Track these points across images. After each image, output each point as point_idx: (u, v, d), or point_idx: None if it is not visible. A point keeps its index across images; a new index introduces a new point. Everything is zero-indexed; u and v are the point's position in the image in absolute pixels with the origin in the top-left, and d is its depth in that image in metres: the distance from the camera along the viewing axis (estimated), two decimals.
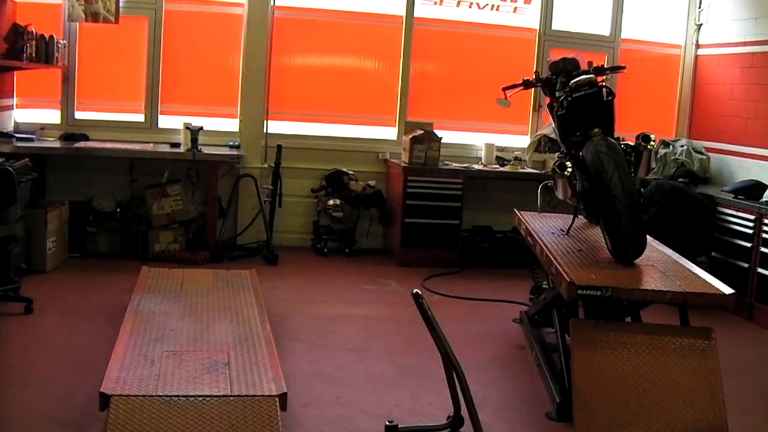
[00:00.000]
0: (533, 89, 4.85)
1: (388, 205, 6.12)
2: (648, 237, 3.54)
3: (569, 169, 3.60)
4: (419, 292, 2.91)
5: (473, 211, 6.16)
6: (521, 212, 4.47)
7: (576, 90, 3.58)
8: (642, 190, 3.49)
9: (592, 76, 3.62)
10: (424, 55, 6.35)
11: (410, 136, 5.90)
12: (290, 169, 6.04)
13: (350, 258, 6.00)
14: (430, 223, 5.83)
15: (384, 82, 6.32)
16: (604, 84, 3.63)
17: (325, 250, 6.02)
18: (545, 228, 4.11)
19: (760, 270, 4.91)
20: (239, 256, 5.74)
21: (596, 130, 3.55)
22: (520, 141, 6.55)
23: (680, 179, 5.65)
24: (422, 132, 5.92)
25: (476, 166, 6.16)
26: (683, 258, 3.58)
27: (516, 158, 6.28)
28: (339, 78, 6.26)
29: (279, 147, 5.91)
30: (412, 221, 5.81)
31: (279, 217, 6.02)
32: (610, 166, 3.34)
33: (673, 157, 6.16)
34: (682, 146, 6.25)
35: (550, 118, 3.99)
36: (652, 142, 3.51)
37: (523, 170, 6.19)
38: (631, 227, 3.29)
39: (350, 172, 6.11)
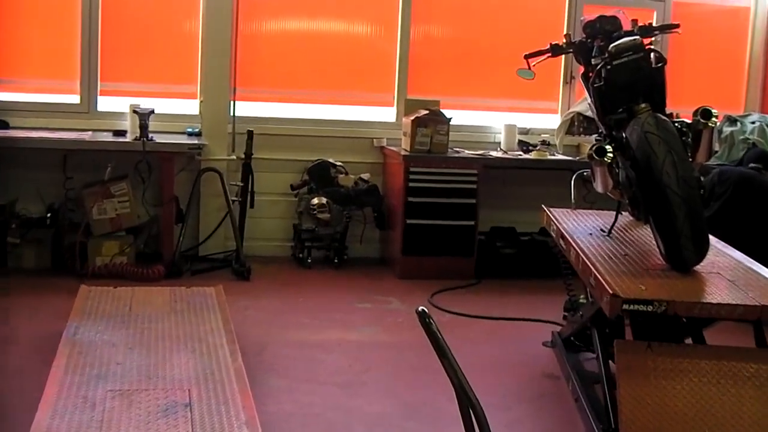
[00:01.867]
0: (563, 56, 4.83)
1: (386, 204, 6.16)
2: (711, 237, 3.52)
3: (610, 155, 3.57)
4: (426, 311, 2.87)
5: (491, 209, 6.19)
6: (551, 209, 4.47)
7: (617, 56, 3.56)
8: (702, 178, 3.45)
9: (637, 38, 3.60)
10: (427, 17, 6.35)
11: (412, 118, 5.90)
12: (264, 161, 6.06)
13: (340, 270, 6.03)
14: (437, 225, 5.84)
15: (379, 52, 6.33)
16: (652, 47, 3.61)
17: (309, 261, 6.03)
18: (581, 228, 4.10)
19: None
20: (202, 270, 5.74)
21: (643, 105, 3.54)
22: (548, 121, 6.56)
23: (750, 164, 5.62)
24: (427, 112, 5.93)
25: (494, 153, 6.17)
26: (756, 263, 3.55)
27: (543, 142, 6.30)
28: (323, 47, 6.27)
29: (250, 134, 5.92)
30: (415, 223, 5.82)
31: (251, 220, 6.03)
32: (661, 150, 3.32)
33: (741, 137, 6.13)
34: (753, 123, 6.22)
35: (585, 91, 3.97)
36: (714, 119, 3.47)
37: (553, 157, 6.21)
38: (690, 225, 3.26)
39: (338, 163, 6.12)
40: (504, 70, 6.02)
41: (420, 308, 2.85)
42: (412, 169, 5.80)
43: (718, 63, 6.69)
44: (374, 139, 6.30)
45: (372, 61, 6.34)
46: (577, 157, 6.15)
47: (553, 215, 4.36)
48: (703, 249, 3.35)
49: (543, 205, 4.55)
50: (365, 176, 6.15)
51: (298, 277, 5.82)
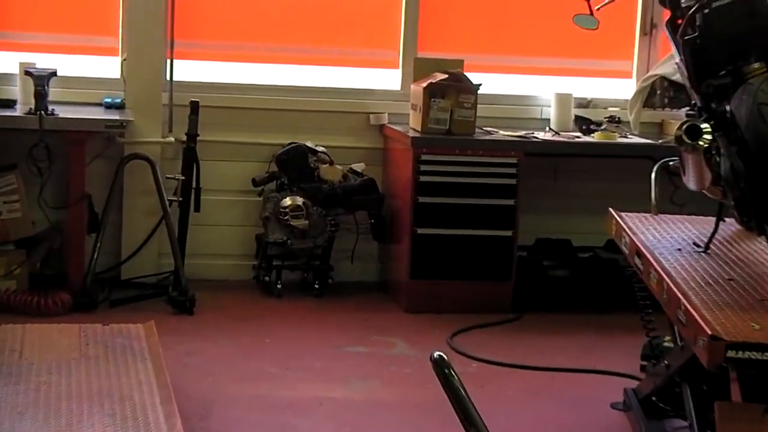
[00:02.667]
0: None
1: (387, 206, 6.16)
2: None
3: (707, 137, 3.55)
4: (444, 357, 2.84)
5: (537, 213, 6.23)
6: (622, 214, 4.45)
7: None
8: None
9: None
10: None
11: (424, 85, 5.89)
12: (215, 146, 6.12)
13: (322, 299, 6.05)
14: (460, 237, 5.86)
15: None
16: None
17: (279, 286, 6.04)
18: (666, 241, 4.08)
19: None
20: (126, 300, 5.73)
21: (756, 65, 3.49)
22: (619, 89, 6.58)
23: None
24: (445, 77, 5.93)
25: (541, 135, 6.17)
26: None
27: (611, 119, 6.27)
28: None
29: (194, 106, 5.91)
30: (428, 233, 5.83)
31: (197, 229, 6.05)
32: None
33: None
34: None
35: (672, 46, 3.93)
36: None
37: (625, 140, 6.21)
38: None
39: (320, 149, 6.14)
40: (555, 17, 6.02)
41: (436, 354, 2.81)
42: (424, 157, 5.80)
43: None
44: (371, 115, 6.31)
45: (368, 4, 6.36)
46: (660, 140, 6.13)
47: (625, 223, 4.34)
48: None
49: (611, 209, 4.53)
50: (358, 167, 6.17)
51: (263, 309, 5.83)
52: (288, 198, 5.97)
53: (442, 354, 2.85)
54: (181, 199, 5.92)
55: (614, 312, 5.63)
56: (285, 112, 6.21)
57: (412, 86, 6.06)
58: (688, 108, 4.01)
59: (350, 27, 6.39)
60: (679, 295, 3.38)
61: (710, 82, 3.64)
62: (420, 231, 5.82)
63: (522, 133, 6.14)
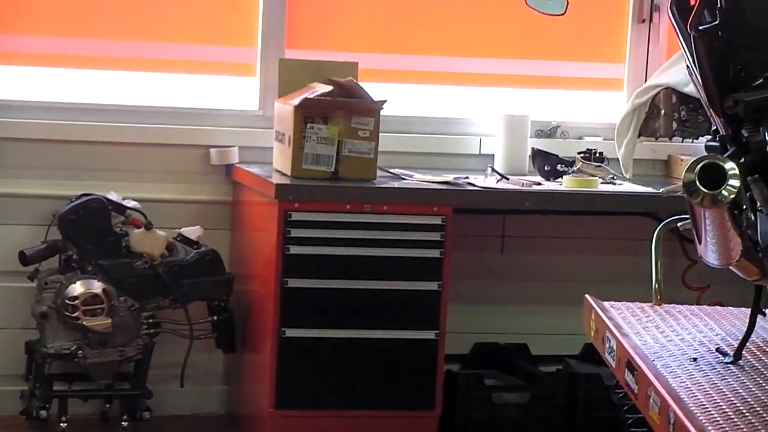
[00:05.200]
0: None
1: (238, 295, 6.22)
2: None
3: (734, 183, 3.52)
4: None
5: (474, 304, 6.43)
6: (605, 305, 4.48)
7: None
8: None
9: None
10: None
11: (296, 102, 5.91)
12: None
13: None
14: (353, 341, 5.92)
15: None
16: None
17: (63, 424, 5.99)
18: (674, 347, 4.11)
19: None
20: None
21: None
22: (601, 107, 6.74)
23: None
24: (328, 89, 5.99)
25: (480, 182, 6.24)
26: None
27: (588, 156, 6.37)
28: None
29: None
30: (301, 336, 5.89)
31: None
32: None
33: None
34: None
35: (680, 41, 3.94)
36: None
37: (610, 187, 6.35)
38: None
39: (131, 203, 6.23)
40: None
41: None
42: (295, 216, 5.86)
43: None
44: (212, 150, 6.44)
45: None
46: (662, 189, 6.09)
47: (610, 318, 4.35)
48: None
49: (587, 296, 4.53)
50: (191, 233, 6.24)
51: None
52: (78, 283, 5.96)
53: None
54: None
55: None
56: (73, 146, 6.29)
57: (277, 104, 6.17)
58: (708, 138, 4.07)
59: (175, 8, 6.42)
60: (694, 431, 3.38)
61: (738, 96, 3.68)
62: (289, 333, 5.84)
63: (450, 177, 6.18)
